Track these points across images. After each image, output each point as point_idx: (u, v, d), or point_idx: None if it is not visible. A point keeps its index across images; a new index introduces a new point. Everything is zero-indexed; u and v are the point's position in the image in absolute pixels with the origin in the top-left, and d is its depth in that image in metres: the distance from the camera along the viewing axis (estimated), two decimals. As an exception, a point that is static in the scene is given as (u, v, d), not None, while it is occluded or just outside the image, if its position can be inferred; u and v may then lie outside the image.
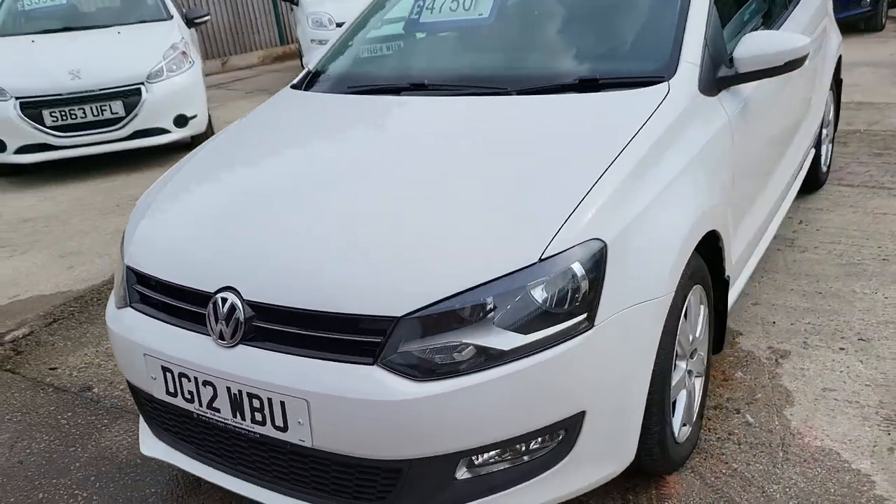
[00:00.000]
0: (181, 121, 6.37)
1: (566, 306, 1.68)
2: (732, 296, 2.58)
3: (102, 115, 6.14)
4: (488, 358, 1.64)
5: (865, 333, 2.80)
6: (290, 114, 2.67)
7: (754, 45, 2.33)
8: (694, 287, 2.10)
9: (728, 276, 2.39)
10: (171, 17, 7.11)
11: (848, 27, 9.36)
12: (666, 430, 1.97)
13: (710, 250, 2.24)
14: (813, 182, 4.12)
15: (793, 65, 2.35)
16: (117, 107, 6.15)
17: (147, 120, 6.22)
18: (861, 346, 2.72)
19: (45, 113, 6.02)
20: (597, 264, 1.72)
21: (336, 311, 1.69)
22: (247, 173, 2.28)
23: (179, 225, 2.11)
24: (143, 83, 6.20)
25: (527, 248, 1.69)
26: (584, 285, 1.70)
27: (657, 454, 1.98)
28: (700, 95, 2.24)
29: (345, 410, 1.65)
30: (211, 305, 1.82)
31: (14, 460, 2.52)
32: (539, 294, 1.67)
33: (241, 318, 1.77)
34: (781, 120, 2.93)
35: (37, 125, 6.02)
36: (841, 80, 4.42)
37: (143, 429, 2.19)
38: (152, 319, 1.98)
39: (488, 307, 1.65)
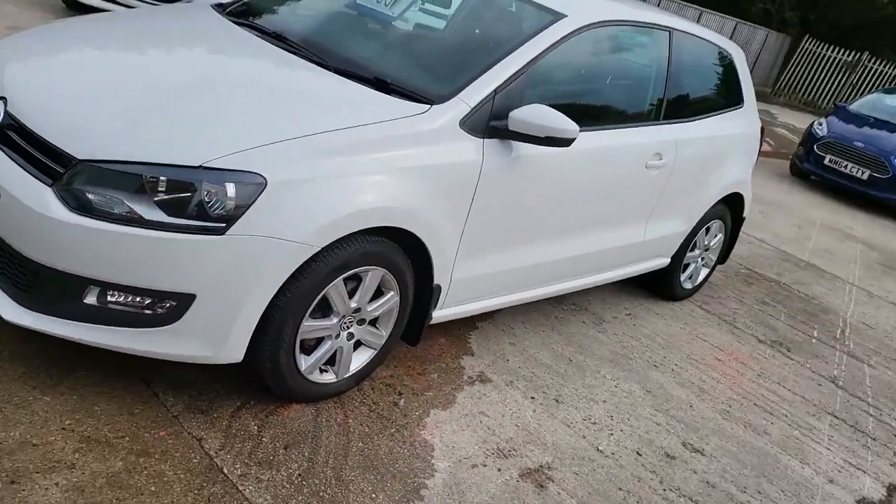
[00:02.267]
0: None
1: (208, 210, 2.15)
2: (460, 309, 3.00)
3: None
4: (133, 220, 2.12)
5: (564, 398, 3.15)
6: (176, 18, 3.22)
7: (528, 112, 2.72)
8: (372, 267, 2.52)
9: (437, 285, 2.81)
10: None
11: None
12: (280, 355, 2.40)
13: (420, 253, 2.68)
14: (667, 293, 4.44)
15: (552, 141, 2.73)
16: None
17: None
18: (548, 403, 3.07)
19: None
20: (249, 192, 2.18)
21: (45, 138, 2.21)
22: (100, 35, 2.84)
23: (20, 49, 2.67)
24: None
25: (198, 154, 2.17)
26: (230, 203, 2.16)
27: (268, 369, 2.42)
28: (459, 130, 2.65)
29: (18, 210, 2.16)
30: None
31: None
32: (192, 191, 2.14)
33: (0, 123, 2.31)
34: (577, 203, 3.25)
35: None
36: (743, 219, 4.69)
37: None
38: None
39: (150, 183, 2.13)
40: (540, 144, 2.76)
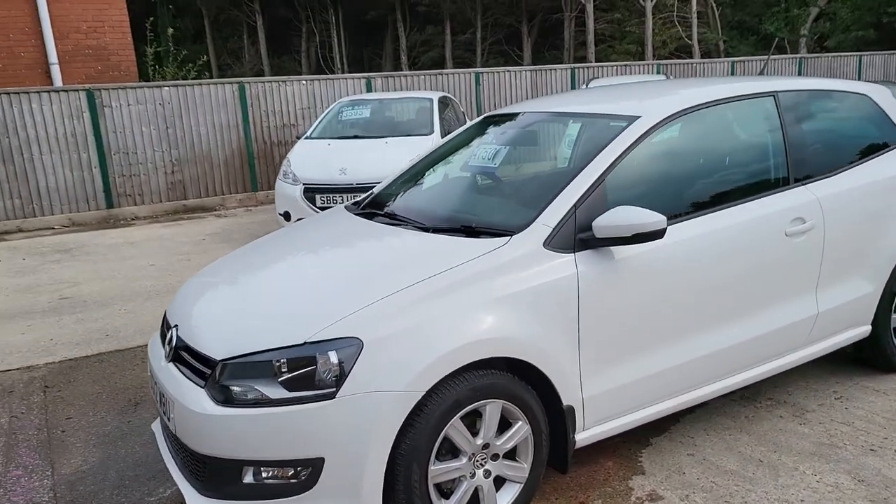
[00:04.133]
0: (410, 216, 7.85)
1: (319, 378, 2.44)
2: (608, 427, 2.93)
3: (354, 204, 7.90)
4: (264, 401, 2.47)
5: (750, 504, 2.84)
6: (313, 224, 3.74)
7: (611, 217, 2.77)
8: (488, 400, 2.62)
9: (569, 406, 2.80)
10: (433, 132, 8.78)
11: None
12: (415, 501, 2.52)
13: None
14: (884, 363, 3.89)
15: (642, 237, 2.73)
16: (365, 199, 7.86)
17: (383, 212, 7.83)
18: (730, 512, 2.79)
19: (317, 196, 7.97)
20: (350, 355, 2.45)
21: (198, 349, 2.68)
22: (249, 255, 3.40)
23: (187, 287, 3.30)
24: (387, 182, 7.84)
25: (303, 332, 2.50)
26: (335, 368, 2.44)
27: (407, 516, 2.55)
28: (545, 251, 2.76)
29: (184, 414, 2.61)
30: (169, 333, 2.95)
31: (121, 419, 3.90)
32: (303, 365, 2.45)
33: (173, 345, 2.86)
34: (709, 292, 3.10)
35: (311, 205, 7.99)
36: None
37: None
38: (159, 340, 3.17)
39: (275, 366, 2.49)
40: (631, 244, 2.77)
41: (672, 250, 2.98)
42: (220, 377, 2.56)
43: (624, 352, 2.94)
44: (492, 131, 3.99)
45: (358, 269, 2.88)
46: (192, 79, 14.02)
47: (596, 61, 25.05)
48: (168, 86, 11.37)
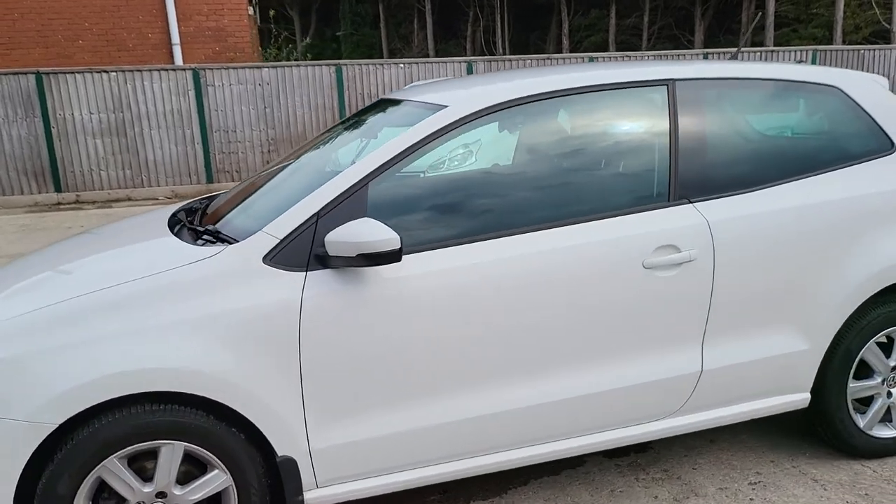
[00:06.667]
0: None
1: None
2: (341, 490, 2.38)
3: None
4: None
5: None
6: (130, 222, 3.26)
7: (342, 231, 2.19)
8: (162, 441, 2.17)
9: (288, 458, 2.28)
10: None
11: None
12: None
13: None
14: (840, 445, 2.91)
15: (369, 258, 2.15)
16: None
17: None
18: None
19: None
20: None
21: None
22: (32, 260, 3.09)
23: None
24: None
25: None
26: (-39, 388, 2.11)
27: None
28: (264, 266, 2.24)
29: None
30: None
31: None
32: None
33: None
34: (516, 334, 2.41)
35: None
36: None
37: None
38: None
39: None
40: (359, 266, 2.19)
41: (452, 278, 2.34)
42: None
43: (375, 400, 2.34)
44: (370, 119, 3.44)
45: (75, 278, 2.45)
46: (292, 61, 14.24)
47: (775, 46, 22.66)
48: (268, 67, 11.62)
